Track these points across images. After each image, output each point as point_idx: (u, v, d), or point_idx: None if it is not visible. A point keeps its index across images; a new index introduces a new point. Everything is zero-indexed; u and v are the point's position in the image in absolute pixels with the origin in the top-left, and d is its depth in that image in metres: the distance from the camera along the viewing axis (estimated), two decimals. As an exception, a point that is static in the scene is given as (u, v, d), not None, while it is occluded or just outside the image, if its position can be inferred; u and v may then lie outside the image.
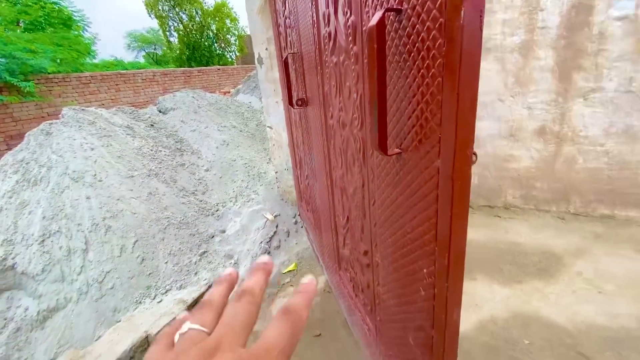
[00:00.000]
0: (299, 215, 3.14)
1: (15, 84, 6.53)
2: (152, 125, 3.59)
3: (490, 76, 2.71)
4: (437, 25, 0.60)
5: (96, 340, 2.02)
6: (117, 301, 2.20)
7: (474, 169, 2.94)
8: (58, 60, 7.90)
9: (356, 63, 1.02)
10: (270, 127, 3.08)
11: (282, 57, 2.43)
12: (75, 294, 2.18)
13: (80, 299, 2.17)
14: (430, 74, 0.65)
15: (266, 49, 2.74)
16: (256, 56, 2.88)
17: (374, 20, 0.70)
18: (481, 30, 0.56)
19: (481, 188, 3.09)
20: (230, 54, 21.05)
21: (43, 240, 2.29)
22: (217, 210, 3.02)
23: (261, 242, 2.69)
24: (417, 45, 0.67)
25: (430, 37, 0.63)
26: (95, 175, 2.68)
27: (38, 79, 7.29)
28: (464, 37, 0.55)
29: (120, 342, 1.91)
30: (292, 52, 1.92)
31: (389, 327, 1.20)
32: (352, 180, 1.28)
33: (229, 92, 9.07)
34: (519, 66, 2.60)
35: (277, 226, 2.92)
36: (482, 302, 2.05)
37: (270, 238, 2.78)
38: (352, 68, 1.06)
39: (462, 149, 0.63)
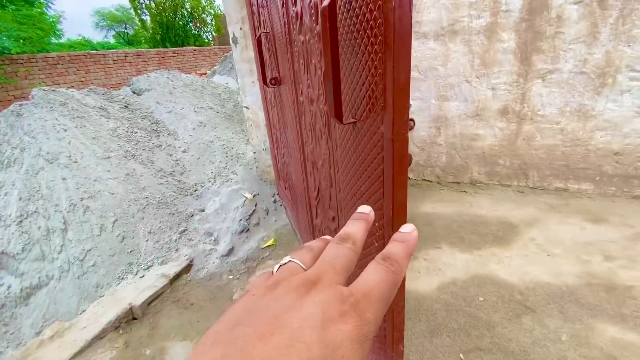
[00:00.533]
0: (277, 194, 3.24)
1: (-26, 64, 6.15)
2: (126, 107, 3.54)
3: (458, 58, 2.84)
4: (377, 7, 0.70)
5: (80, 314, 2.09)
6: (99, 278, 2.27)
7: (442, 148, 3.12)
8: (22, 40, 7.43)
9: (319, 41, 1.10)
10: (247, 107, 3.12)
11: (255, 37, 2.46)
12: (57, 271, 2.22)
13: (62, 276, 2.21)
14: (374, 49, 0.75)
15: (240, 28, 2.75)
16: (231, 36, 2.88)
17: (327, 1, 0.79)
18: (411, 11, 0.66)
19: (449, 166, 3.28)
20: (207, 34, 20.31)
21: (21, 221, 2.30)
22: (195, 190, 3.07)
23: (240, 220, 2.79)
24: (363, 24, 0.77)
25: (373, 17, 0.73)
26: (70, 156, 2.66)
27: (2, 60, 6.88)
28: (396, 17, 0.65)
29: (105, 314, 2.00)
30: (264, 31, 1.97)
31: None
32: (321, 152, 1.39)
33: (205, 74, 8.86)
34: (484, 48, 2.75)
35: (256, 205, 3.01)
36: (444, 268, 2.25)
37: (250, 216, 2.88)
38: (316, 46, 1.15)
39: (400, 115, 0.74)
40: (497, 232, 2.55)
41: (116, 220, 2.52)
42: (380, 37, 0.72)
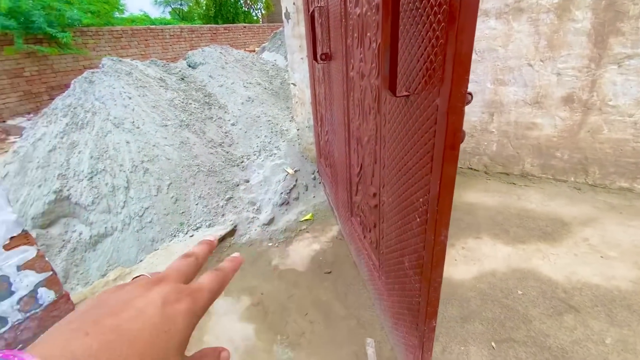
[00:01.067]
0: (317, 171, 3.31)
1: (54, 35, 6.81)
2: (182, 79, 3.76)
3: (521, 39, 2.63)
4: (444, -25, 0.69)
5: (139, 262, 2.36)
6: (155, 233, 2.52)
7: (493, 136, 2.95)
8: (90, 13, 8.06)
9: (377, 13, 1.10)
10: (294, 84, 3.16)
11: (308, 11, 2.47)
12: (120, 224, 2.50)
13: (124, 228, 2.49)
14: (437, 19, 0.74)
15: (294, 3, 2.76)
16: (283, 11, 2.90)
17: (391, -30, 0.79)
18: (480, -21, 0.65)
19: (499, 155, 3.11)
20: (256, 11, 20.47)
21: (91, 177, 2.60)
22: (242, 162, 3.23)
23: (281, 193, 2.90)
24: (427, -7, 0.76)
25: (439, -15, 0.71)
26: (133, 122, 2.92)
27: (74, 32, 7.54)
28: (464, -16, 0.64)
29: (159, 265, 2.23)
30: (318, 5, 1.97)
31: (389, 258, 1.37)
32: (367, 128, 1.41)
33: (253, 51, 9.02)
34: (553, 28, 2.51)
35: (296, 180, 3.11)
36: (483, 258, 2.20)
37: (290, 190, 2.98)
38: (373, 18, 1.14)
39: (458, 87, 0.73)
40: (545, 228, 2.42)
41: (171, 183, 2.75)
42: (445, 7, 0.71)
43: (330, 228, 2.62)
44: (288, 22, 2.91)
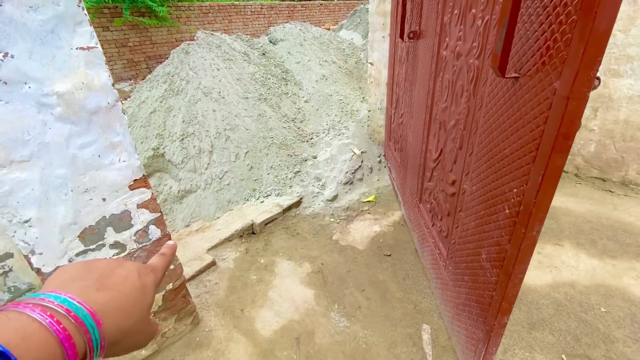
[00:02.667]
0: (384, 155, 3.27)
1: (153, 8, 7.58)
2: (263, 54, 3.94)
3: (653, 21, 2.21)
4: (593, -59, 0.62)
5: (216, 219, 2.63)
6: (231, 195, 2.77)
7: (593, 135, 2.62)
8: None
9: (489, -12, 1.03)
10: (372, 64, 3.11)
11: (399, -12, 2.37)
12: (203, 183, 2.80)
13: (206, 187, 2.79)
14: (571, -7, 0.68)
15: (383, -21, 2.67)
16: (371, -13, 2.83)
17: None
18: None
19: (597, 157, 2.73)
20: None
21: (182, 139, 2.93)
22: (311, 139, 3.33)
23: (347, 172, 2.95)
24: (564, -37, 0.69)
25: (582, -46, 0.64)
26: (220, 92, 3.18)
27: (169, 5, 8.29)
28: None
29: (234, 223, 2.47)
30: (413, -20, 1.89)
31: (461, 248, 1.34)
32: (456, 112, 1.35)
33: (329, 28, 8.97)
34: (701, 9, 2.06)
35: (362, 161, 3.12)
36: (562, 267, 2.01)
37: (355, 170, 3.01)
38: (482, -7, 1.07)
39: (586, 70, 0.67)
40: (646, 246, 2.10)
41: (247, 152, 2.97)
42: (585, -22, 0.64)
43: (392, 213, 2.61)
44: (374, -2, 2.84)
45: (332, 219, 2.57)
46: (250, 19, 10.45)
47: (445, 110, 1.47)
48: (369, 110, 3.34)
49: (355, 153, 3.14)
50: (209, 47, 3.46)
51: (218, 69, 3.32)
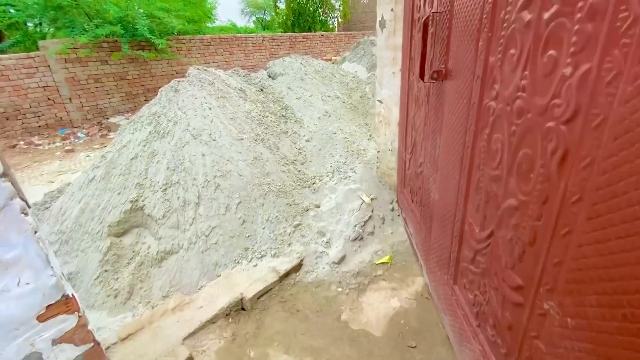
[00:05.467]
0: (396, 202, 2.86)
1: (153, 41, 7.51)
2: (261, 90, 3.66)
3: None
4: None
5: (199, 289, 2.19)
6: (219, 257, 2.34)
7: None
8: (186, 23, 8.76)
9: (590, 20, 0.65)
10: (381, 101, 2.78)
11: (412, 19, 2.06)
12: (186, 242, 2.39)
13: (189, 247, 2.37)
14: None
15: (392, 9, 2.38)
16: (378, 18, 2.54)
17: None
18: None
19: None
20: (333, 20, 20.68)
21: (165, 189, 2.55)
22: (313, 184, 2.94)
23: (355, 226, 2.53)
24: None
25: None
26: (210, 134, 2.83)
27: (169, 38, 8.24)
28: None
29: (219, 297, 2.02)
30: (435, 11, 1.56)
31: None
32: (519, 190, 0.95)
33: (330, 59, 8.88)
34: None
35: (372, 211, 2.71)
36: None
37: (365, 222, 2.59)
38: (573, 28, 0.70)
39: None
40: None
41: (240, 202, 2.57)
42: None
43: (412, 279, 2.16)
44: (382, 31, 2.54)
45: (340, 289, 2.12)
46: (251, 50, 10.45)
47: (498, 181, 1.07)
48: (378, 151, 2.97)
49: (364, 201, 2.74)
50: (201, 84, 3.17)
51: (210, 108, 3.00)
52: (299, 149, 3.22)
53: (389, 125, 2.75)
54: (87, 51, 6.89)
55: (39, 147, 6.14)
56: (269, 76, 4.07)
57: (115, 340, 1.74)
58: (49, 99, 6.70)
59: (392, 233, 2.61)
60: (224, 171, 2.68)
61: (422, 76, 1.65)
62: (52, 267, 0.78)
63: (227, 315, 1.96)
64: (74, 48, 6.74)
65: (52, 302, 0.80)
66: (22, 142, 6.20)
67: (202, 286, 2.21)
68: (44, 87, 6.61)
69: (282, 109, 3.55)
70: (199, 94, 3.08)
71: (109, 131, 7.02)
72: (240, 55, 10.19)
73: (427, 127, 1.87)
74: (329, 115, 3.54)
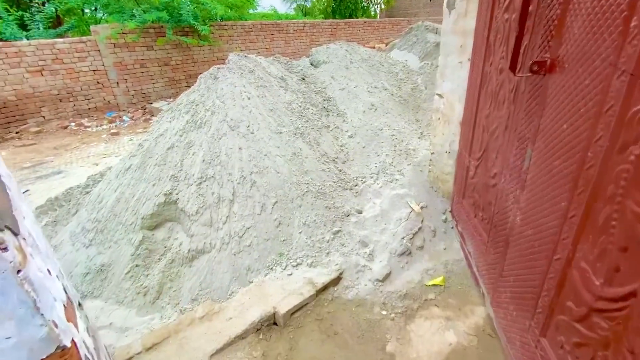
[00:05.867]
0: (450, 212, 2.51)
1: (196, 27, 7.50)
2: (303, 79, 3.40)
3: None
4: None
5: (229, 295, 2.03)
6: (252, 261, 2.16)
7: None
8: (229, 8, 8.67)
9: None
10: (441, 96, 2.41)
11: (496, -2, 1.68)
12: (219, 242, 2.24)
13: (222, 248, 2.22)
14: None
15: (465, -13, 1.99)
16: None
17: None
18: None
19: None
20: (375, 6, 19.81)
21: (200, 183, 2.41)
22: (355, 185, 2.67)
23: (403, 238, 2.23)
24: None
25: None
26: (248, 126, 2.64)
27: (212, 25, 8.21)
28: None
29: (250, 308, 1.84)
30: (543, -18, 1.19)
31: None
32: None
33: (374, 47, 8.39)
34: None
35: (422, 221, 2.39)
36: None
37: (414, 235, 2.28)
38: None
39: None
40: None
41: (276, 202, 2.37)
42: None
43: (471, 309, 1.84)
44: (450, 13, 2.16)
45: (385, 312, 1.86)
46: (292, 37, 10.20)
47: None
48: (432, 153, 2.62)
49: (413, 209, 2.42)
50: (241, 71, 2.98)
51: (249, 98, 2.81)
52: (341, 146, 2.95)
53: (449, 123, 2.39)
54: (135, 36, 7.02)
55: (87, 129, 6.41)
56: (312, 64, 3.80)
57: (139, 349, 1.62)
58: (98, 82, 6.95)
59: (445, 249, 2.28)
60: (260, 167, 2.49)
61: (513, 67, 1.30)
62: (42, 314, 0.59)
63: (257, 330, 1.78)
64: (123, 33, 6.90)
65: (44, 356, 0.62)
66: (72, 124, 6.50)
67: (232, 292, 2.05)
68: (94, 70, 6.85)
69: (324, 100, 3.27)
70: (239, 82, 2.89)
71: (152, 116, 7.17)
72: (280, 42, 9.98)
73: (509, 131, 1.52)
74: (375, 109, 3.21)
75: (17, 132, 6.03)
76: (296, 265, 2.13)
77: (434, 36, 4.21)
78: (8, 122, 6.09)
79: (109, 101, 7.18)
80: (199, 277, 2.16)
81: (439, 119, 2.47)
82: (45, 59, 6.25)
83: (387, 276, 2.04)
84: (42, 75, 6.26)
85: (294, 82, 3.30)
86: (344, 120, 3.14)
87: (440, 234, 2.39)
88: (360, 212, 2.47)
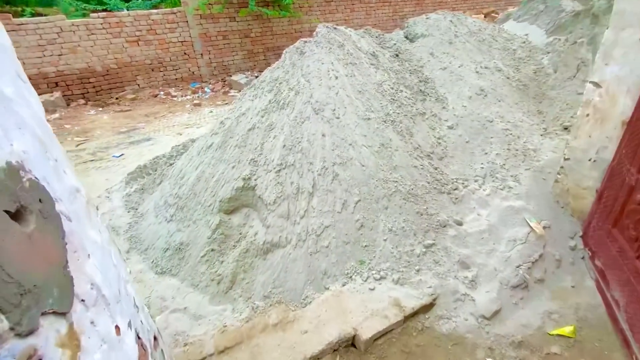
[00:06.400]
0: (581, 237, 1.95)
1: (277, -1, 7.30)
2: (396, 55, 2.95)
3: None
4: None
5: (303, 299, 1.85)
6: (329, 264, 1.94)
7: None
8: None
9: None
10: (597, 84, 1.79)
11: None
12: (295, 238, 2.05)
13: (297, 245, 2.03)
14: None
15: None
16: (638, -56, 1.51)
17: None
18: None
19: None
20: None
21: (279, 170, 2.23)
22: (455, 189, 2.23)
23: (518, 266, 1.78)
24: None
25: None
26: (334, 110, 2.34)
27: (292, -6, 7.91)
28: None
29: (328, 324, 1.63)
30: None
31: None
32: None
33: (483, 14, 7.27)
34: None
35: (544, 246, 1.88)
36: None
37: (533, 263, 1.81)
38: None
39: None
40: None
41: (359, 200, 2.08)
42: None
43: (621, 383, 1.36)
44: (640, -35, 1.51)
45: (490, 359, 1.49)
46: (373, 7, 9.42)
47: None
48: (567, 158, 2.03)
49: (532, 229, 1.92)
50: (330, 46, 2.65)
51: (336, 77, 2.48)
52: (438, 138, 2.49)
53: (603, 122, 1.78)
54: (219, 7, 7.09)
55: (174, 99, 6.80)
56: (407, 38, 3.28)
57: (212, 350, 1.52)
58: (185, 53, 7.26)
59: (573, 287, 1.77)
60: (344, 158, 2.19)
61: None
62: None
63: (334, 350, 1.56)
64: (209, 4, 7.00)
65: None
66: (161, 93, 6.94)
67: (306, 296, 1.86)
68: (182, 42, 7.15)
69: (421, 82, 2.79)
70: (326, 58, 2.57)
71: (230, 88, 7.32)
72: (360, 14, 9.30)
73: None
74: (485, 95, 2.64)
75: (116, 98, 6.64)
76: (379, 279, 1.84)
77: (572, 3, 3.29)
78: (110, 89, 6.73)
79: (193, 72, 7.50)
80: (272, 272, 2.01)
81: (587, 115, 1.86)
82: (142, 29, 6.66)
83: (496, 313, 1.64)
84: (138, 45, 6.71)
85: (386, 59, 2.86)
86: (444, 107, 2.65)
87: (567, 265, 1.87)
88: (460, 224, 2.05)
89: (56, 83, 6.28)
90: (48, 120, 0.64)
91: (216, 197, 2.35)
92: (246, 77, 7.47)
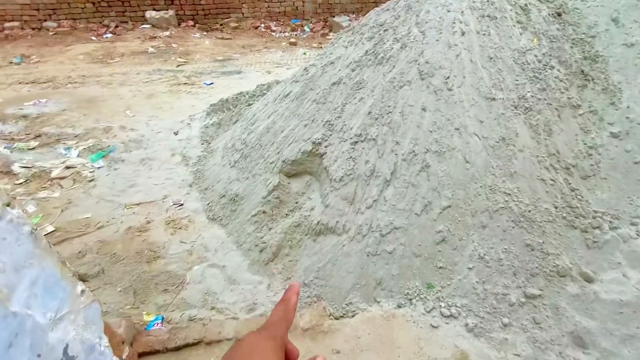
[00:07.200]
0: None
1: None
2: (558, 15, 2.07)
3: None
4: None
5: (345, 304, 1.54)
6: (387, 275, 1.56)
7: None
8: None
9: None
10: None
11: None
12: (354, 229, 1.69)
13: (355, 238, 1.68)
14: None
15: None
16: None
17: None
18: None
19: None
20: None
21: (356, 142, 1.81)
22: (596, 227, 1.54)
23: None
24: None
25: None
26: (447, 78, 1.75)
27: None
28: None
29: (366, 351, 1.31)
30: None
31: None
32: None
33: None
34: None
35: None
36: None
37: None
38: None
39: None
40: None
41: (449, 207, 1.58)
42: None
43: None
44: None
45: None
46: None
47: None
48: None
49: None
50: (465, -13, 1.93)
51: (463, 33, 1.83)
52: (590, 147, 1.73)
53: None
54: None
55: (272, 33, 6.56)
56: (581, -9, 2.28)
57: (231, 335, 1.35)
58: (292, -15, 6.79)
59: None
60: (444, 145, 1.66)
61: None
62: None
63: (366, 387, 1.25)
64: None
65: None
66: (262, 25, 6.74)
67: (350, 303, 1.55)
68: (292, -29, 6.65)
69: (586, 59, 1.93)
70: (456, 4, 1.90)
71: (330, 30, 6.75)
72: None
73: None
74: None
75: (220, 24, 6.67)
76: (448, 317, 1.41)
77: None
78: (217, 14, 6.76)
79: (297, 7, 7.06)
80: (319, 260, 1.73)
81: None
82: (256, -47, 6.32)
83: None
84: (249, -30, 6.45)
85: (541, 18, 2.03)
86: (613, 103, 1.81)
87: None
88: (589, 280, 1.43)
89: (172, 0, 6.52)
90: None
91: (280, 155, 2.07)
92: (349, 20, 6.75)
